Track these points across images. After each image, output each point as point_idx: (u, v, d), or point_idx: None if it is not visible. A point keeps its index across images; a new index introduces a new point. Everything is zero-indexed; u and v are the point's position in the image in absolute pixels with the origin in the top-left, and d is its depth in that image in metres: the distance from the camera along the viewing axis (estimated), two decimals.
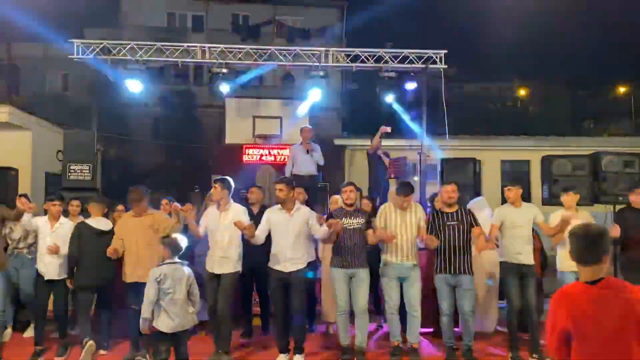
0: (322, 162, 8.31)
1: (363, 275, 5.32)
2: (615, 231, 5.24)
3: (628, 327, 2.21)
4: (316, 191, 8.24)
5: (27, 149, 10.34)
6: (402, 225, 5.36)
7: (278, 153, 10.25)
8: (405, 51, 8.84)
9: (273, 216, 5.33)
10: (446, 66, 8.84)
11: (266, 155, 10.46)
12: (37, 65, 22.08)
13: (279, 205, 5.35)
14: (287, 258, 5.22)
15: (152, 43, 8.48)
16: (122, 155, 20.14)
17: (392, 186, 6.64)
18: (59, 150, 7.76)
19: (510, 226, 5.49)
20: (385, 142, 10.39)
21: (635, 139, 15.69)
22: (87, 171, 7.55)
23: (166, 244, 4.46)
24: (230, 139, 10.60)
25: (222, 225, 5.31)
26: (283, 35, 22.06)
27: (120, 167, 19.06)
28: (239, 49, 8.69)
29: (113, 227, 5.54)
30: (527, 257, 5.45)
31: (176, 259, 4.47)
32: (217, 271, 5.31)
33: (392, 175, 8.32)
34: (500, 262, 5.62)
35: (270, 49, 8.71)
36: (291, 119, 10.49)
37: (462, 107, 28.16)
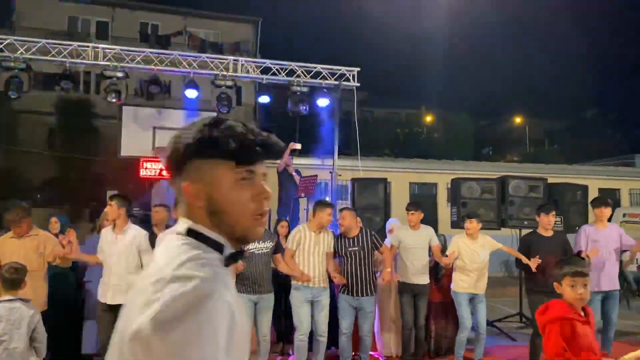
0: None
1: (267, 300, 5.08)
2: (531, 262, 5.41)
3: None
4: None
5: None
6: (315, 249, 5.18)
7: None
8: (318, 66, 8.54)
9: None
10: (359, 84, 8.63)
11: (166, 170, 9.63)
12: None
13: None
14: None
15: (36, 40, 7.46)
16: (9, 166, 18.28)
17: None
18: None
19: (407, 248, 5.70)
20: (298, 161, 9.99)
21: (535, 165, 16.49)
22: None
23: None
24: (126, 151, 9.63)
25: (118, 250, 4.71)
26: (195, 47, 21.32)
27: (8, 180, 17.27)
28: (138, 52, 7.89)
29: None
30: (421, 277, 5.67)
31: (14, 296, 3.49)
32: (111, 302, 4.69)
33: (302, 194, 7.91)
34: (398, 282, 5.76)
35: (172, 54, 8.01)
36: None
37: (372, 130, 28.74)
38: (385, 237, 6.21)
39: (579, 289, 2.89)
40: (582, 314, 2.94)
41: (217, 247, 1.12)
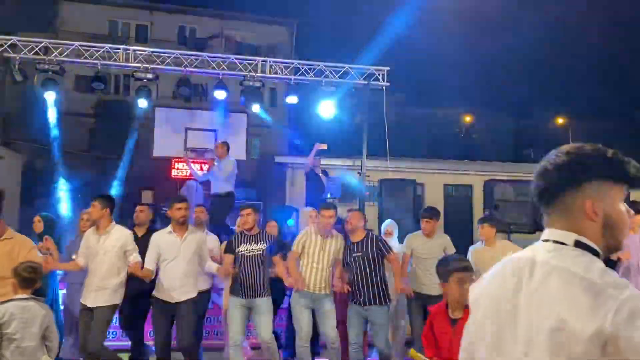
0: (229, 180, 7.84)
1: (264, 304, 4.88)
2: None
3: None
4: (226, 211, 7.67)
5: None
6: (320, 254, 4.96)
7: (201, 167, 9.52)
8: (347, 66, 8.43)
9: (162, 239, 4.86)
10: (388, 83, 8.48)
11: (197, 170, 9.72)
12: None
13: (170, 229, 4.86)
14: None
15: (69, 42, 7.63)
16: (50, 167, 18.90)
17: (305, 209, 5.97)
18: None
19: (420, 256, 5.42)
20: (330, 161, 9.90)
21: None
22: None
23: (14, 273, 3.53)
24: (158, 151, 9.80)
25: (102, 250, 4.58)
26: (231, 50, 21.56)
27: (47, 179, 17.84)
28: (168, 53, 7.98)
29: None
30: (433, 288, 5.23)
31: (27, 294, 3.52)
32: (90, 304, 4.57)
33: (329, 195, 7.84)
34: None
35: (202, 55, 8.07)
36: (227, 132, 9.83)
37: (407, 131, 28.40)
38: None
39: (467, 285, 2.75)
40: (459, 314, 2.86)
41: (598, 256, 1.32)
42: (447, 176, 14.51)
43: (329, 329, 4.91)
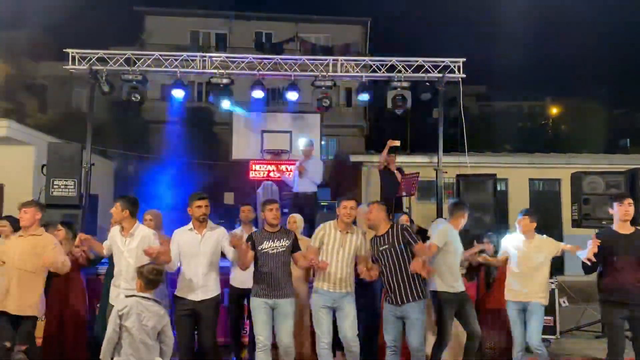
0: (317, 181, 7.90)
1: (288, 305, 4.69)
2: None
3: None
4: (313, 209, 7.65)
5: (28, 164, 10.04)
6: (340, 251, 4.75)
7: (286, 169, 9.66)
8: (420, 59, 8.21)
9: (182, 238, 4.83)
10: (464, 75, 8.17)
11: (274, 171, 9.90)
12: (65, 84, 22.19)
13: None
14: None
15: (149, 53, 8.06)
16: (140, 172, 20.05)
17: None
18: (44, 165, 7.28)
19: (455, 251, 5.02)
20: (407, 159, 9.59)
21: None
22: (72, 187, 7.06)
23: (140, 274, 3.78)
24: (236, 154, 10.13)
25: (127, 252, 4.60)
26: (306, 52, 21.82)
27: (138, 185, 18.92)
28: (242, 58, 8.19)
29: None
30: (461, 284, 5.12)
31: (149, 294, 3.77)
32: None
33: (404, 193, 7.65)
34: (438, 293, 4.99)
35: (274, 59, 8.19)
36: (302, 133, 9.94)
37: (492, 124, 27.31)
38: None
39: None
40: None
41: None
42: (533, 170, 13.81)
43: (347, 330, 4.67)
